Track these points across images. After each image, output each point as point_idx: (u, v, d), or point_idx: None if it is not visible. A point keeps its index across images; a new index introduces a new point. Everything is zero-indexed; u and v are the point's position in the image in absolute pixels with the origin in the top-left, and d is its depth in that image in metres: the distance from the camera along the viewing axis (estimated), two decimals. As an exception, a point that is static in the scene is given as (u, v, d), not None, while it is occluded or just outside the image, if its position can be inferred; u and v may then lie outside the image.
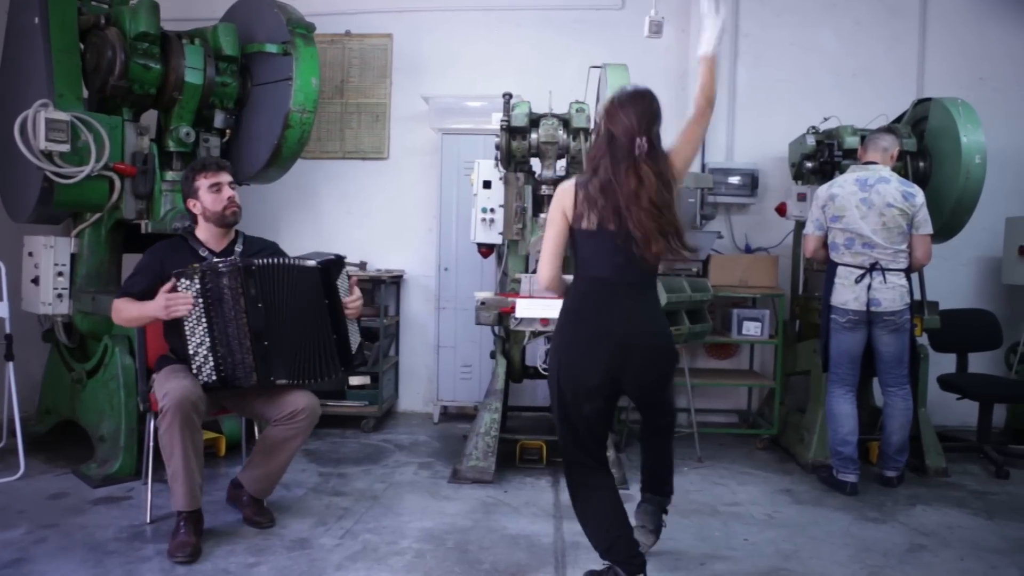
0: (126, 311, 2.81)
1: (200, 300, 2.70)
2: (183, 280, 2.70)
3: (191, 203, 2.97)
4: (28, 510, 3.06)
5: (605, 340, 2.33)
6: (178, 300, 2.68)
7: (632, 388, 2.43)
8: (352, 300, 2.97)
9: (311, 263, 2.87)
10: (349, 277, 3.00)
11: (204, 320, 2.71)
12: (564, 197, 2.40)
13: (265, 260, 2.83)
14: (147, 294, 2.80)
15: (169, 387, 2.66)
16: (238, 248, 3.02)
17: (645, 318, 2.38)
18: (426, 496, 3.42)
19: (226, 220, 2.96)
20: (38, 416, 4.10)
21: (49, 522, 2.94)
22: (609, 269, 2.35)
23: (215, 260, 2.86)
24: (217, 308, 2.72)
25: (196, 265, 2.74)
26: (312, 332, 2.86)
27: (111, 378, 3.54)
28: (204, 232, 2.99)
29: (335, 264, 2.93)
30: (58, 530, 2.86)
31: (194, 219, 3.01)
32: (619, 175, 2.27)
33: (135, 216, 3.78)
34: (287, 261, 2.87)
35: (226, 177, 2.97)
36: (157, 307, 2.70)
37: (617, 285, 2.36)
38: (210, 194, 2.92)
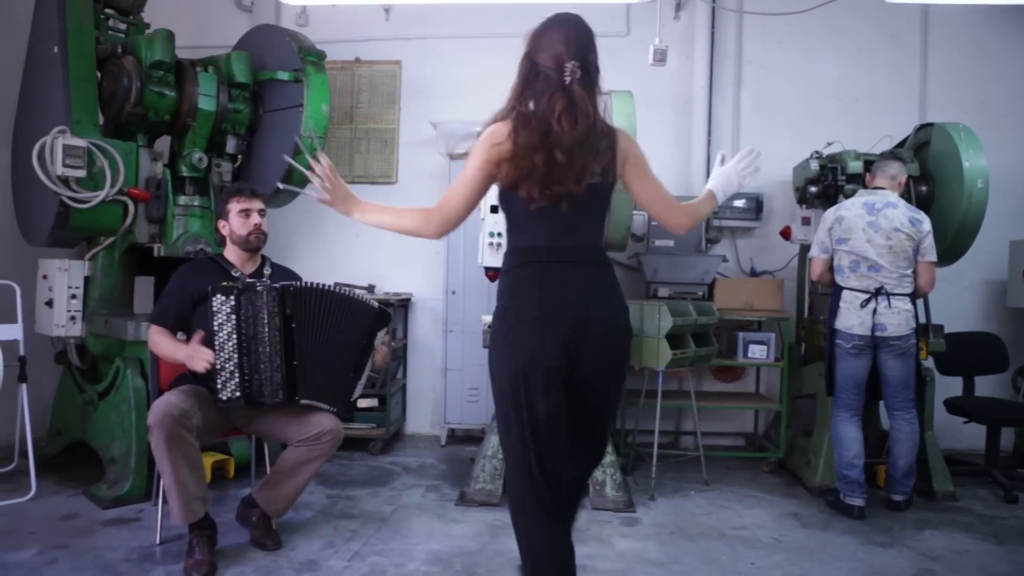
0: (162, 346, 2.91)
1: (233, 316, 2.76)
2: (218, 295, 2.76)
3: (221, 224, 3.08)
4: (39, 531, 3.09)
5: (558, 315, 1.93)
6: (203, 355, 2.75)
7: (584, 379, 1.97)
8: (383, 348, 3.09)
9: (365, 300, 3.01)
10: (385, 333, 3.12)
11: (235, 336, 2.76)
12: (496, 144, 1.99)
13: (304, 284, 2.91)
14: (180, 320, 2.95)
15: (155, 404, 2.73)
16: (267, 271, 3.12)
17: (601, 290, 2.00)
18: (433, 519, 3.43)
19: (249, 244, 3.05)
20: (49, 437, 4.13)
21: (60, 543, 2.96)
22: (551, 236, 1.96)
23: (252, 280, 2.95)
24: (250, 326, 2.77)
25: (229, 283, 2.81)
26: (338, 361, 2.94)
27: (122, 400, 3.57)
28: (232, 254, 3.08)
29: (385, 314, 3.06)
30: (69, 551, 2.89)
31: (222, 241, 3.11)
32: (547, 104, 1.92)
33: (148, 240, 3.84)
34: (327, 287, 2.93)
35: (257, 204, 3.07)
36: (185, 354, 2.79)
37: (563, 253, 1.97)
38: (238, 218, 3.02)
